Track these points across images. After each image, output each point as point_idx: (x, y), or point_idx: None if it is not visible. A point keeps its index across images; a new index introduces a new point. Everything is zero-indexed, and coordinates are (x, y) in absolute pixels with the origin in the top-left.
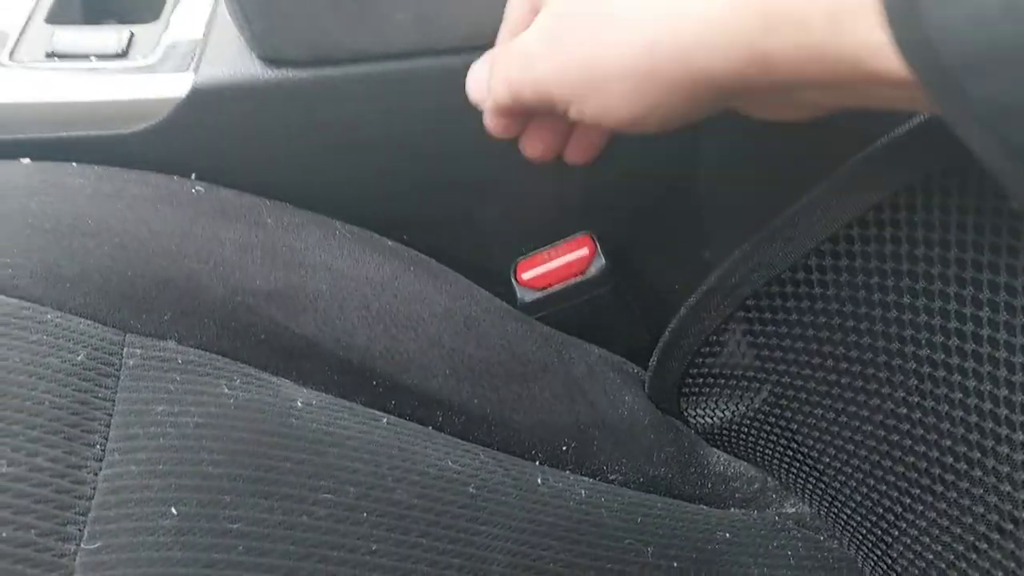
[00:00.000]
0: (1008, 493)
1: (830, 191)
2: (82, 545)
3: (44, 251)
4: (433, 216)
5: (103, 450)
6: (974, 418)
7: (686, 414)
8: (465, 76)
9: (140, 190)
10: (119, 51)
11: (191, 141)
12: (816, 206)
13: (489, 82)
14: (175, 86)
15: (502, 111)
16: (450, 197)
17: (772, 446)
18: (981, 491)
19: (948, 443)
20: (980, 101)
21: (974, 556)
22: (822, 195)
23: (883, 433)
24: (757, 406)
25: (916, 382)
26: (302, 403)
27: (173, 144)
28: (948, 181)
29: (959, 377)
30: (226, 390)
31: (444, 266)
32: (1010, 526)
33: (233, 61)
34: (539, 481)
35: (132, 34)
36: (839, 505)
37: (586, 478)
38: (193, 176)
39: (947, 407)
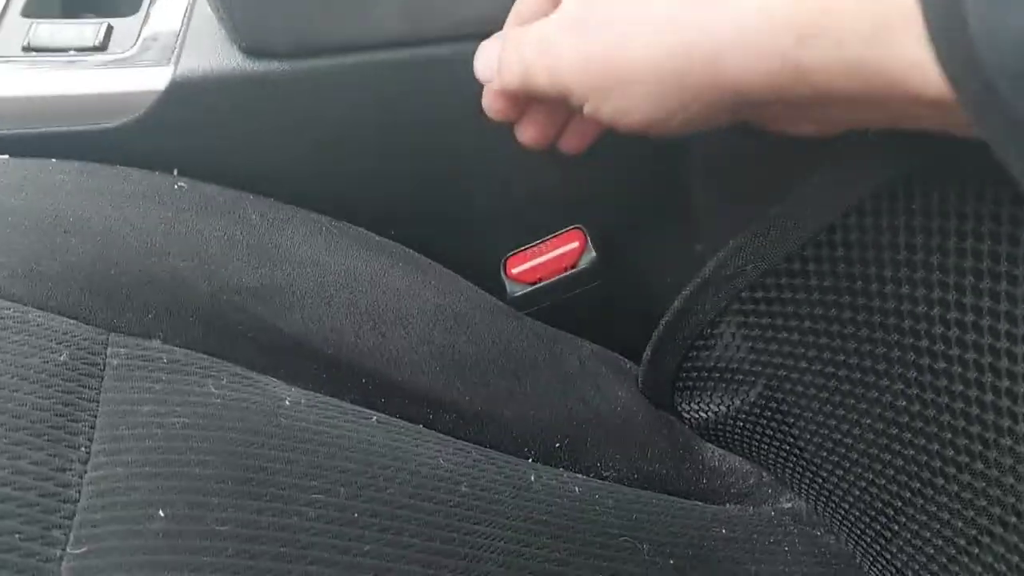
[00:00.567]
0: (1011, 486)
1: (827, 180)
2: (68, 549)
3: (25, 249)
4: (421, 211)
5: (88, 452)
6: (975, 410)
7: (680, 409)
8: (452, 65)
9: (122, 186)
10: (97, 44)
11: (173, 135)
12: (812, 196)
13: (500, 62)
14: (155, 79)
15: (507, 94)
16: (438, 191)
17: (768, 441)
18: (983, 484)
19: (948, 436)
20: None
21: (976, 550)
22: (819, 185)
23: (881, 426)
24: (752, 400)
25: (915, 374)
26: (290, 402)
27: (154, 138)
28: (947, 168)
29: (959, 368)
30: (213, 389)
31: (433, 261)
32: (1013, 519)
33: (214, 53)
34: (532, 479)
35: (111, 27)
36: (836, 500)
37: (580, 475)
38: (176, 171)
39: (947, 399)
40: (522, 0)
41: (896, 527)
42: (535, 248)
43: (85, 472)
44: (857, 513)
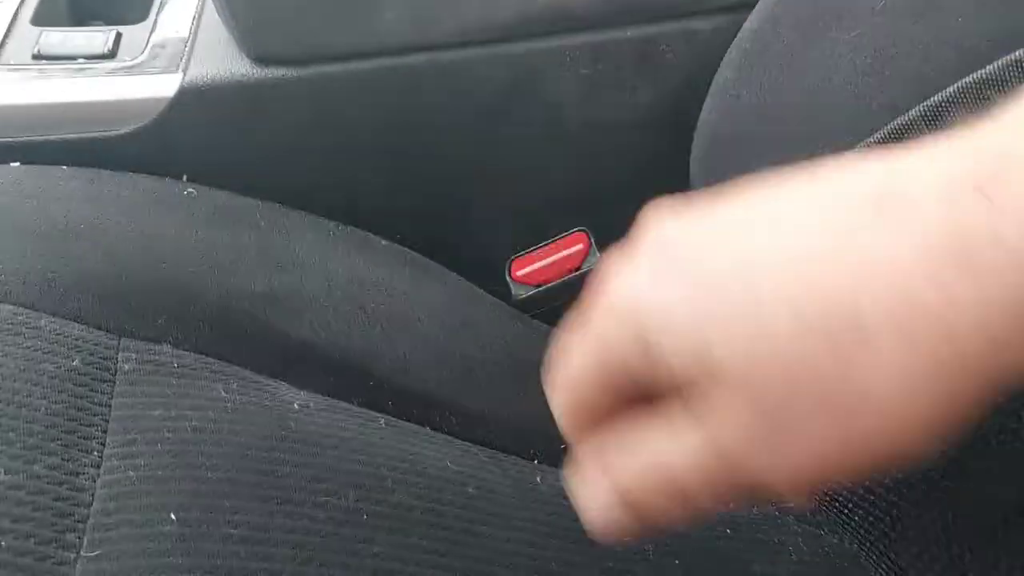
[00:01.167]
0: (1018, 487)
1: None
2: (82, 553)
3: (38, 256)
4: (427, 214)
5: (101, 456)
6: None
7: None
8: (457, 71)
9: (132, 193)
10: (107, 52)
11: (182, 141)
12: None
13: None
14: (164, 86)
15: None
16: (444, 195)
17: None
18: (991, 484)
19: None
20: None
21: (983, 550)
22: None
23: None
24: None
25: None
26: (299, 405)
27: (164, 145)
28: None
29: None
30: (223, 393)
31: (439, 265)
32: (1020, 519)
33: (222, 60)
34: (538, 480)
35: (119, 34)
36: (840, 500)
37: None
38: (185, 177)
39: None
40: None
41: (901, 527)
42: (539, 251)
43: (98, 476)
44: (862, 513)
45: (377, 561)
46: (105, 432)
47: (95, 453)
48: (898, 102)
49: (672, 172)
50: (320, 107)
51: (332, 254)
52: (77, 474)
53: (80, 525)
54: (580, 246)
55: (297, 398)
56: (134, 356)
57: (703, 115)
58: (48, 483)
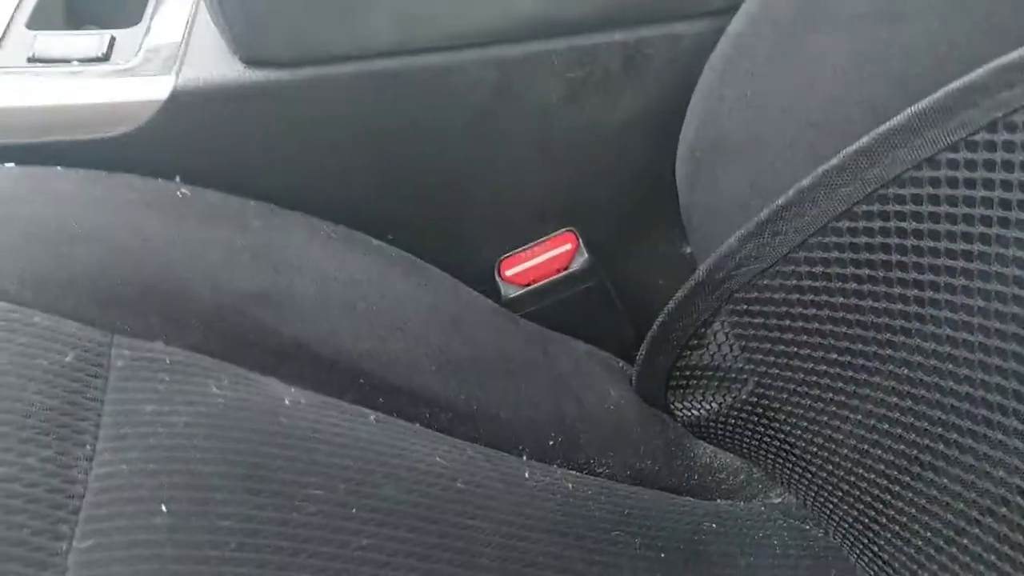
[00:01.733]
0: (1001, 478)
1: (819, 185)
2: (74, 544)
3: (32, 256)
4: (417, 215)
5: (93, 450)
6: (965, 405)
7: (673, 407)
8: (446, 74)
9: (126, 194)
10: (101, 55)
11: (175, 144)
12: (804, 200)
13: None
14: (157, 89)
15: None
16: (434, 196)
17: (758, 437)
18: (972, 477)
19: (938, 430)
20: None
21: (964, 541)
22: (810, 189)
23: (872, 422)
24: (744, 398)
25: (906, 371)
26: (290, 401)
27: (157, 147)
28: (936, 173)
29: (950, 366)
30: (215, 389)
31: (429, 265)
32: (1003, 509)
33: (214, 63)
34: (526, 475)
35: (113, 38)
36: (825, 495)
37: (573, 472)
38: (178, 178)
39: (937, 395)
40: None
41: (884, 520)
42: (528, 251)
43: (90, 469)
44: (845, 507)
45: (366, 553)
46: (98, 426)
47: (88, 447)
48: (877, 105)
49: (658, 174)
50: (311, 109)
51: (324, 253)
52: (70, 467)
53: (73, 516)
54: (568, 246)
55: (288, 394)
56: (127, 353)
57: (688, 117)
58: (42, 475)
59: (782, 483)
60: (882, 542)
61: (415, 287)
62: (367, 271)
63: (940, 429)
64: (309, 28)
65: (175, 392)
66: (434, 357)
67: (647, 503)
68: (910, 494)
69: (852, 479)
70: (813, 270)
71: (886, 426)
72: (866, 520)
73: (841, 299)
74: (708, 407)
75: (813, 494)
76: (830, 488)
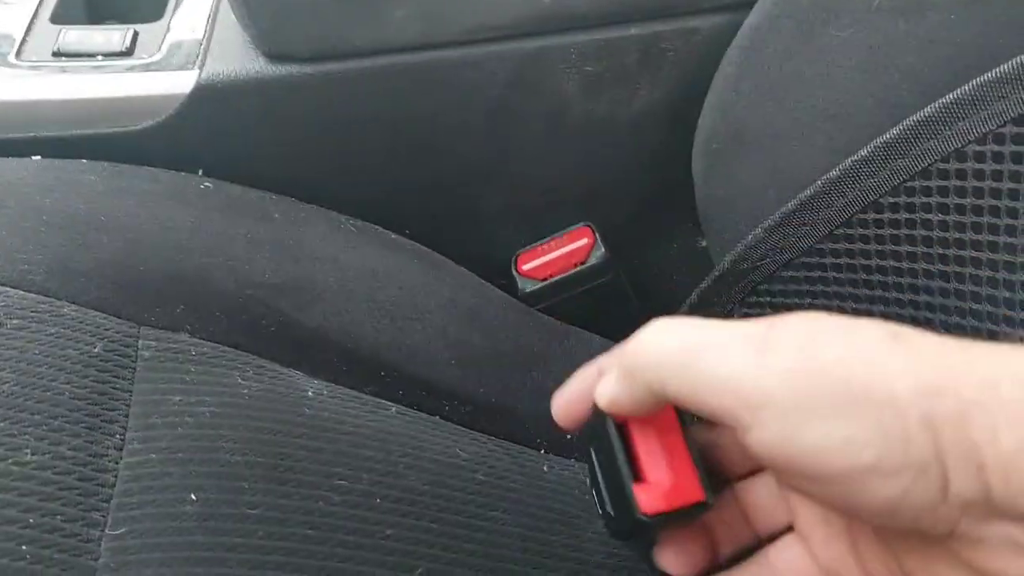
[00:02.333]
0: None
1: (846, 177)
2: (107, 531)
3: (59, 247)
4: (436, 209)
5: (123, 439)
6: None
7: None
8: (465, 69)
9: (150, 186)
10: (124, 49)
11: (198, 137)
12: (832, 191)
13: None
14: (180, 83)
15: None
16: (452, 190)
17: None
18: None
19: None
20: None
21: None
22: (837, 180)
23: None
24: None
25: None
26: (313, 393)
27: (180, 140)
28: (963, 166)
29: None
30: (240, 380)
31: (446, 258)
32: None
33: (237, 57)
34: (545, 468)
35: (136, 32)
36: None
37: None
38: (201, 172)
39: None
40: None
41: None
42: (545, 245)
43: (120, 458)
44: None
45: (390, 543)
46: (127, 416)
47: (117, 436)
48: (893, 97)
49: (674, 167)
50: (331, 103)
51: (344, 246)
52: (101, 456)
53: (104, 504)
54: (585, 240)
55: (311, 386)
56: (153, 344)
57: (704, 111)
58: (73, 464)
59: None
60: None
61: (433, 280)
62: (385, 264)
63: None
64: (331, 24)
65: (201, 383)
66: (453, 349)
67: None
68: None
69: None
70: (838, 261)
71: None
72: None
73: (865, 291)
74: None
75: None
76: None
